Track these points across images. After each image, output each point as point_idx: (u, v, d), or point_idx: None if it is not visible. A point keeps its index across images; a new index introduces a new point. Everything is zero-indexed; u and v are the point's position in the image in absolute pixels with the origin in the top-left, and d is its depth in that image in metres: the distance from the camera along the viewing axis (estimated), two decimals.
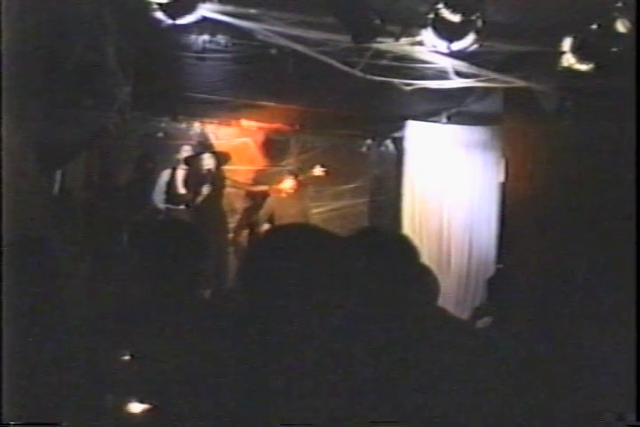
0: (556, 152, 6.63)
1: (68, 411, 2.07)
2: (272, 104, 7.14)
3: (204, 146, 7.69)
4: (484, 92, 6.87)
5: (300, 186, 7.73)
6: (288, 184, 7.67)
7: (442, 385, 1.82)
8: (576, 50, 5.44)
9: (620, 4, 5.04)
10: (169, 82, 6.73)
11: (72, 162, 6.89)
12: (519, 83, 6.33)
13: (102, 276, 6.17)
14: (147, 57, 6.21)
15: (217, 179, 7.47)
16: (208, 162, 7.39)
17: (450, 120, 7.54)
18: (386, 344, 1.80)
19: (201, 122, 7.75)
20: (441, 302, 2.46)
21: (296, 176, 7.71)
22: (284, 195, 7.67)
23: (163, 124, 7.64)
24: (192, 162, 7.34)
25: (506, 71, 6.30)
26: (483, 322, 4.16)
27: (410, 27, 5.62)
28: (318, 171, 7.65)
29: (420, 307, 2.04)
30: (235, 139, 7.88)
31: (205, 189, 7.25)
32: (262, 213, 7.66)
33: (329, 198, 8.04)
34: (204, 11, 5.29)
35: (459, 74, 6.29)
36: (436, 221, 7.48)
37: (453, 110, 7.41)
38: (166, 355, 1.93)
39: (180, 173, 7.35)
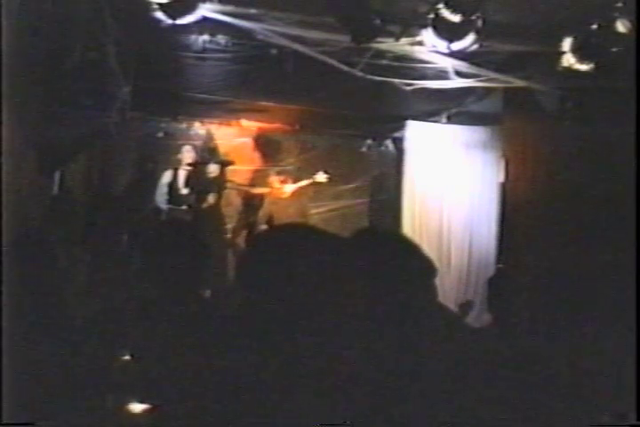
0: (556, 152, 6.63)
1: (68, 411, 2.07)
2: (272, 104, 7.13)
3: (203, 147, 7.69)
4: (484, 92, 6.87)
5: (309, 186, 7.77)
6: (289, 189, 7.71)
7: (441, 385, 1.82)
8: (576, 50, 5.44)
9: (619, 4, 5.05)
10: (169, 82, 6.73)
11: (72, 162, 6.89)
12: (519, 83, 6.33)
13: (102, 276, 6.17)
14: (147, 57, 6.21)
15: (220, 184, 7.48)
16: (213, 169, 7.41)
17: (450, 120, 7.54)
18: (385, 344, 1.80)
19: (201, 122, 7.74)
20: (441, 300, 2.46)
21: (295, 181, 7.74)
22: (282, 196, 7.70)
23: (163, 124, 7.63)
24: (196, 168, 7.34)
25: (506, 71, 6.30)
26: (482, 320, 4.16)
27: (410, 27, 5.63)
28: (321, 177, 7.66)
29: (416, 286, 2.04)
30: (235, 139, 7.88)
31: (211, 198, 7.27)
32: (261, 213, 7.67)
33: (329, 198, 8.04)
34: (204, 11, 5.30)
35: (459, 74, 6.29)
36: (436, 221, 7.48)
37: (453, 110, 7.40)
38: (166, 355, 1.93)
39: (182, 174, 7.35)
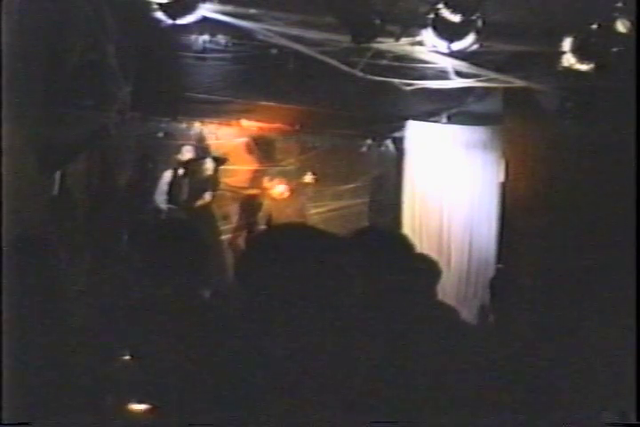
0: (556, 152, 6.63)
1: (67, 411, 2.07)
2: (272, 104, 7.13)
3: (203, 147, 7.69)
4: (484, 92, 6.87)
5: (297, 187, 7.77)
6: (280, 189, 7.73)
7: (441, 383, 1.82)
8: (576, 50, 5.44)
9: (620, 4, 5.05)
10: (169, 82, 6.73)
11: (72, 162, 6.89)
12: (519, 83, 6.33)
13: (102, 276, 6.16)
14: (147, 57, 6.21)
15: (216, 183, 7.50)
16: (208, 167, 7.42)
17: (450, 120, 7.54)
18: (385, 344, 1.80)
19: (201, 122, 7.74)
20: (441, 298, 2.46)
21: (287, 182, 7.77)
22: (278, 198, 7.72)
23: (163, 125, 7.62)
24: (192, 166, 7.35)
25: (506, 71, 6.30)
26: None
27: (410, 27, 5.63)
28: (309, 178, 7.69)
29: (420, 292, 2.05)
30: (235, 139, 7.87)
31: (208, 196, 7.29)
32: (260, 214, 7.68)
33: (329, 198, 8.03)
34: (204, 11, 5.30)
35: (459, 74, 6.30)
36: (436, 221, 7.48)
37: (453, 110, 7.40)
38: (166, 355, 1.93)
39: (182, 174, 7.37)
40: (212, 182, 7.45)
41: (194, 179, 7.33)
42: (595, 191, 6.15)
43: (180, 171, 7.32)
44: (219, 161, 7.54)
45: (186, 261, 2.30)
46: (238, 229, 7.76)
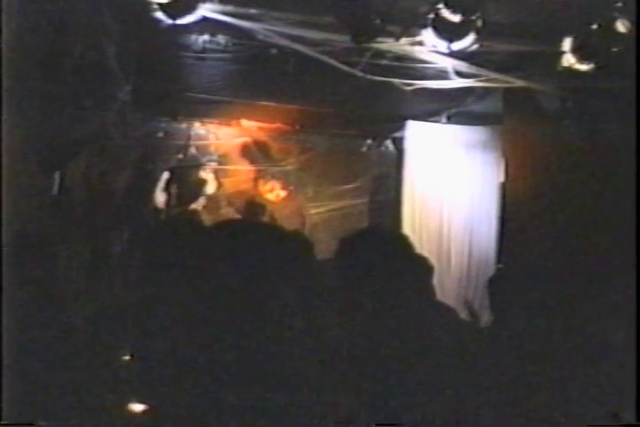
0: (556, 152, 6.63)
1: (68, 411, 2.07)
2: (272, 104, 7.13)
3: (200, 149, 7.70)
4: (484, 92, 6.87)
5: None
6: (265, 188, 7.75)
7: (440, 383, 1.82)
8: (576, 50, 5.44)
9: (619, 4, 5.05)
10: (169, 82, 6.73)
11: (72, 162, 6.89)
12: (519, 83, 6.33)
13: (102, 276, 6.17)
14: (147, 57, 6.21)
15: (204, 188, 7.52)
16: (200, 173, 7.44)
17: (450, 120, 7.55)
18: (385, 342, 1.80)
19: (201, 122, 7.74)
20: (440, 298, 2.46)
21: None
22: (275, 199, 7.73)
23: (163, 124, 7.62)
24: (179, 171, 7.38)
25: (506, 71, 6.30)
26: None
27: (410, 27, 5.63)
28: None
29: (414, 285, 2.05)
30: (235, 139, 7.88)
31: (202, 201, 7.31)
32: (263, 216, 7.68)
33: (329, 198, 8.03)
34: (204, 11, 5.30)
35: (459, 74, 6.29)
36: (436, 221, 7.48)
37: (453, 110, 7.41)
38: (166, 355, 1.93)
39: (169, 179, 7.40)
40: (203, 187, 7.46)
41: (181, 184, 7.34)
42: (595, 191, 6.16)
43: (167, 175, 7.33)
44: (205, 166, 7.56)
45: (186, 261, 2.30)
46: None
